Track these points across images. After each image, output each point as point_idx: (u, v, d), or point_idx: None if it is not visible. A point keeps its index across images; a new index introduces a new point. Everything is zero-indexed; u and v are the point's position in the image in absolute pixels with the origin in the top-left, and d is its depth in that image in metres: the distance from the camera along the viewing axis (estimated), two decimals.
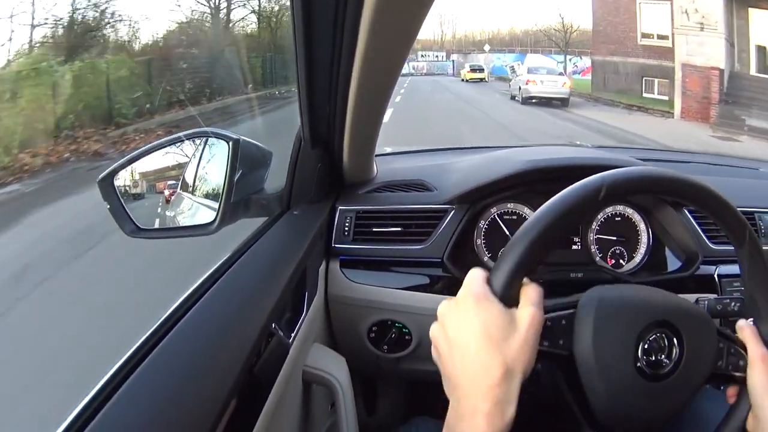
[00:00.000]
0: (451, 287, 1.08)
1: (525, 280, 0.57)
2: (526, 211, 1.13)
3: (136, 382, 0.55)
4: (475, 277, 0.57)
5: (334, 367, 0.93)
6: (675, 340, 0.61)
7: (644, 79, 16.33)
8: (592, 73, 19.26)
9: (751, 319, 0.66)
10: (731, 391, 0.66)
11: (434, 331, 0.58)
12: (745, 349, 0.63)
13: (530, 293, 0.56)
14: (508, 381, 0.51)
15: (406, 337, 1.11)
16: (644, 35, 16.33)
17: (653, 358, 0.60)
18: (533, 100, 14.73)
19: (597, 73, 18.63)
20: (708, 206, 0.62)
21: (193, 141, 1.02)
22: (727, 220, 0.62)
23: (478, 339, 0.52)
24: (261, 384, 0.71)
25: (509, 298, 0.55)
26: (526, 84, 15.15)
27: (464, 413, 0.51)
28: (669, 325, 0.61)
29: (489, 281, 0.57)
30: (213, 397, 0.56)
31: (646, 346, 0.60)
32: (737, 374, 0.63)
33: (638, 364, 0.60)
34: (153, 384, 0.56)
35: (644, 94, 16.12)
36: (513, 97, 16.19)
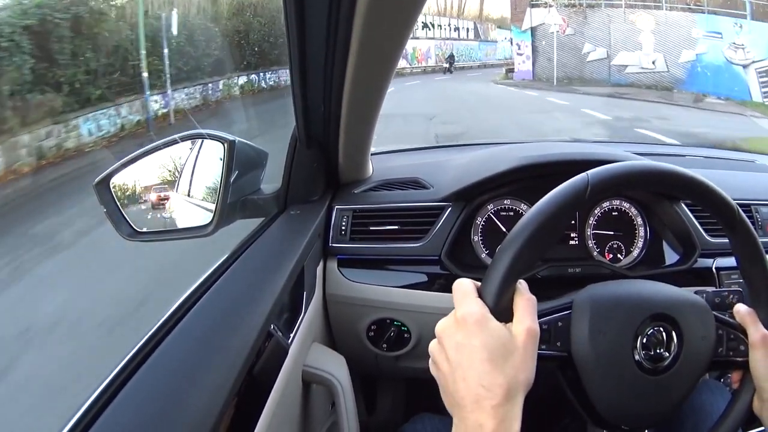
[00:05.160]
0: (449, 284, 1.07)
1: (520, 287, 0.57)
2: (523, 207, 1.13)
3: (136, 385, 0.55)
4: (467, 292, 0.57)
5: (334, 367, 0.93)
6: (673, 332, 0.61)
7: None
8: None
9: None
10: (735, 377, 0.67)
11: (433, 349, 0.58)
12: (745, 334, 0.63)
13: (523, 306, 0.56)
14: (512, 399, 0.52)
15: (405, 336, 1.11)
16: None
17: (652, 352, 0.61)
18: None
19: None
20: (696, 195, 0.62)
21: (189, 143, 1.02)
22: (716, 206, 0.62)
23: (480, 361, 0.52)
24: (261, 385, 0.71)
25: (502, 310, 0.55)
26: None
27: (469, 431, 0.52)
28: (666, 318, 0.61)
29: (480, 293, 0.57)
30: (213, 399, 0.56)
31: (644, 341, 0.61)
32: (738, 359, 0.63)
33: (638, 359, 0.60)
34: (153, 386, 0.56)
35: None
36: None
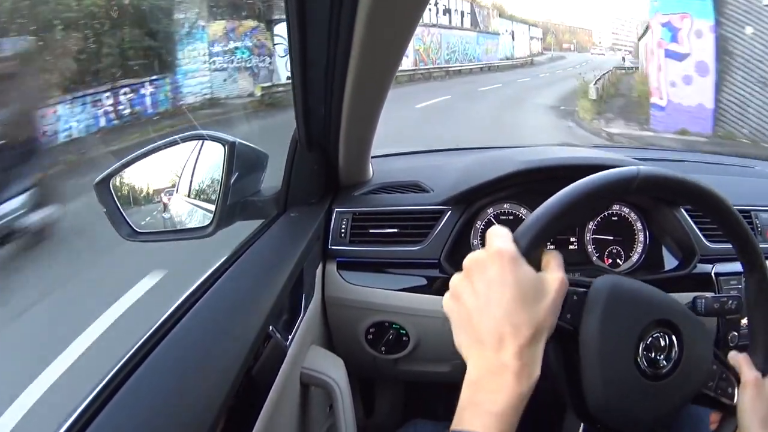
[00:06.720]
0: (448, 288, 1.07)
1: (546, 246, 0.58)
2: (523, 211, 1.13)
3: (133, 386, 0.55)
4: (502, 234, 0.56)
5: (332, 369, 0.93)
6: (675, 344, 0.61)
7: None
8: None
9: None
10: (714, 417, 0.68)
11: (458, 282, 0.57)
12: (736, 376, 0.65)
13: (554, 259, 0.57)
14: (537, 342, 0.52)
15: (404, 339, 1.11)
16: None
17: (652, 355, 0.60)
18: None
19: None
20: (728, 225, 0.64)
21: (190, 144, 1.02)
22: (744, 243, 0.64)
23: (511, 299, 0.52)
24: (259, 386, 0.71)
25: (532, 260, 0.56)
26: None
27: (491, 369, 0.51)
28: (672, 327, 0.61)
29: (515, 239, 0.57)
30: (211, 400, 0.56)
31: (648, 342, 0.60)
32: (724, 400, 0.64)
33: (637, 359, 0.60)
34: (150, 387, 0.56)
35: None
36: None
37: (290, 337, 0.85)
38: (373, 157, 1.22)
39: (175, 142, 0.97)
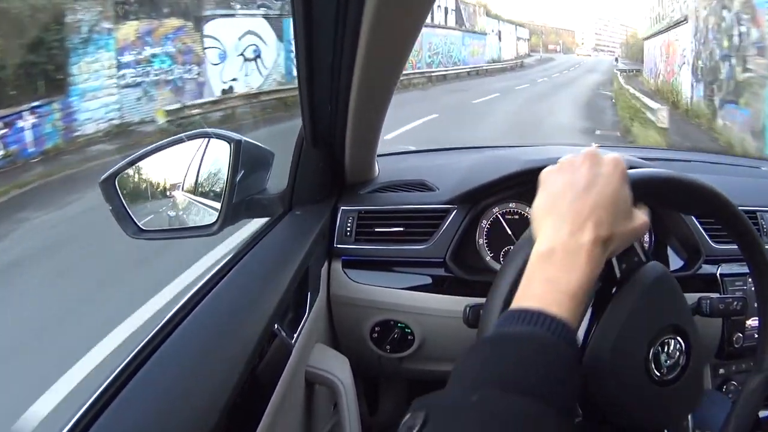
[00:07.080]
0: (453, 287, 1.08)
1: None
2: (528, 210, 1.12)
3: (138, 384, 0.55)
4: (621, 160, 0.59)
5: (337, 368, 0.93)
6: (683, 354, 0.60)
7: None
8: None
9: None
10: None
11: (569, 160, 0.59)
12: None
13: (646, 209, 0.60)
14: (609, 245, 0.53)
15: (409, 337, 1.11)
16: None
17: (662, 351, 0.60)
18: None
19: None
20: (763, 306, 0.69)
21: (195, 142, 1.02)
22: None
23: (608, 198, 0.54)
24: (264, 384, 0.71)
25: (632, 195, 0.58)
26: None
27: (566, 246, 0.52)
28: (685, 338, 0.61)
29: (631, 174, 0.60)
30: (216, 398, 0.56)
31: (663, 340, 0.60)
32: None
33: (650, 350, 0.59)
34: (156, 385, 0.56)
35: None
36: None
37: (295, 335, 0.85)
38: (378, 156, 1.21)
39: (180, 140, 0.98)
